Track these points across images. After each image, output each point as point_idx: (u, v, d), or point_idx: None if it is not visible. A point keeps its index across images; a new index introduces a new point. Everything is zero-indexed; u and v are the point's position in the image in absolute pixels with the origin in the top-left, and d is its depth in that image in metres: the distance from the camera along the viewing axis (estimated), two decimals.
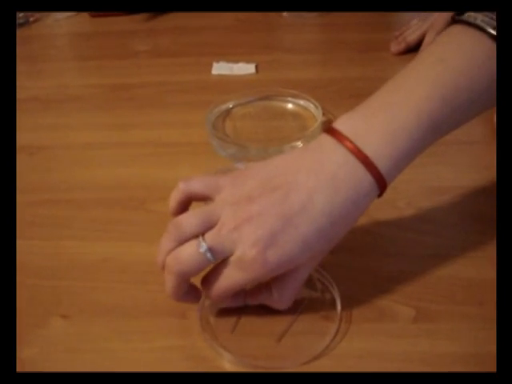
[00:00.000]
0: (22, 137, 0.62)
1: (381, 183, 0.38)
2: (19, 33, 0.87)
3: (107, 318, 0.42)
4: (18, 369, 0.38)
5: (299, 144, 0.57)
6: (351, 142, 0.37)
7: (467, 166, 0.56)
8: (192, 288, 0.40)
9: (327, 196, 0.37)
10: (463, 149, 0.57)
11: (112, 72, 0.77)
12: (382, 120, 0.38)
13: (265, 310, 0.42)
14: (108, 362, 0.40)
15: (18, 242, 0.47)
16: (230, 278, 0.37)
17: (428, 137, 0.39)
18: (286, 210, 0.36)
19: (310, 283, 0.43)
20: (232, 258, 0.36)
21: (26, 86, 0.74)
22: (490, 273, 0.43)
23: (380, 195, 0.39)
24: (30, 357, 0.40)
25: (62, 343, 0.41)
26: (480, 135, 0.59)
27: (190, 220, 0.38)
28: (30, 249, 0.49)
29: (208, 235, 0.36)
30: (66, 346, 0.41)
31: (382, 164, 0.37)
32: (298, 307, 0.42)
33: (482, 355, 0.38)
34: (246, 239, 0.36)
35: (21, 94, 0.70)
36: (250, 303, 0.41)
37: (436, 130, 0.39)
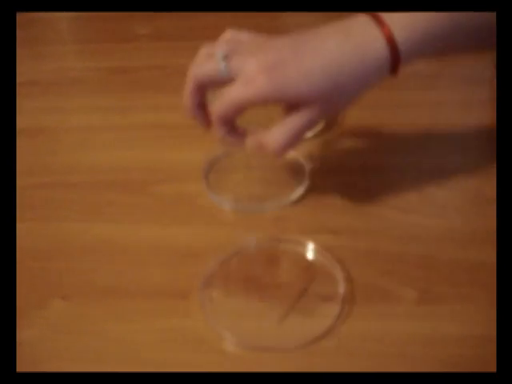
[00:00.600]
0: (23, 120, 0.61)
1: (393, 52, 0.40)
2: (19, 16, 0.86)
3: (107, 299, 0.42)
4: (19, 350, 0.38)
5: None
6: (374, 13, 0.41)
7: (472, 148, 0.55)
8: (205, 109, 0.44)
9: (338, 40, 0.41)
10: (469, 131, 0.57)
11: (112, 55, 0.76)
12: (404, 13, 0.42)
13: (267, 291, 0.41)
14: (108, 343, 0.39)
15: (18, 225, 0.47)
16: (234, 92, 0.40)
17: (446, 27, 0.41)
18: (299, 45, 0.41)
19: (313, 264, 0.43)
20: (241, 75, 0.40)
21: (27, 69, 0.73)
22: (493, 255, 0.42)
23: (393, 72, 0.42)
24: (30, 338, 0.40)
25: (62, 324, 0.41)
26: (486, 118, 0.58)
27: (219, 43, 0.43)
28: (31, 231, 0.48)
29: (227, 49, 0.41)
30: (67, 327, 0.41)
31: (397, 33, 0.40)
32: (300, 288, 0.41)
33: (484, 337, 0.38)
34: (258, 59, 0.40)
35: (21, 77, 0.69)
36: (249, 145, 0.42)
37: (455, 26, 0.41)
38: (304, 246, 0.44)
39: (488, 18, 0.41)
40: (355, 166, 0.53)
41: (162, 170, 0.54)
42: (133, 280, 0.43)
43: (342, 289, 0.41)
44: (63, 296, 0.42)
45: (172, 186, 0.52)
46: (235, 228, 0.47)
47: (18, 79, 0.65)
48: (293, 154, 0.54)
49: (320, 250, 0.43)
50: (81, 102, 0.66)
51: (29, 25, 0.86)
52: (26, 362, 0.38)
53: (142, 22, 0.84)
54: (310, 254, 0.44)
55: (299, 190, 0.49)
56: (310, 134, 0.56)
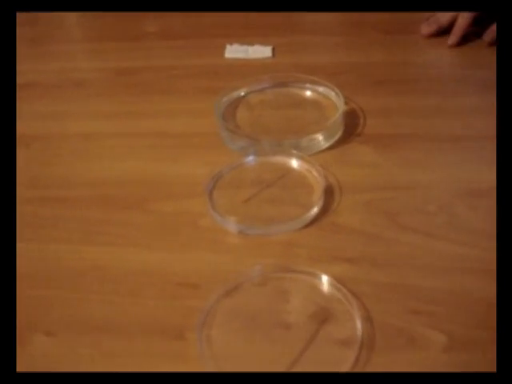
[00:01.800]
0: (18, 125, 0.57)
1: None
2: (22, 13, 0.82)
3: (95, 336, 0.38)
4: None
5: (319, 137, 0.52)
6: None
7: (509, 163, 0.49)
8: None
9: None
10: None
11: (118, 55, 0.72)
12: None
13: (274, 332, 0.37)
14: None
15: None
16: None
17: None
18: None
19: (326, 300, 0.38)
20: None
21: (26, 69, 0.69)
22: None
23: None
24: None
25: (43, 364, 0.36)
26: None
27: None
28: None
29: None
30: (50, 366, 0.36)
31: None
32: (311, 330, 0.36)
33: None
34: None
35: (20, 78, 0.65)
36: None
37: None
38: (317, 277, 0.39)
39: None
40: (376, 182, 0.48)
41: (163, 184, 0.50)
42: (124, 314, 0.39)
43: (359, 331, 0.36)
44: (47, 331, 0.38)
45: (172, 203, 0.48)
46: (240, 254, 0.43)
47: (17, 81, 0.62)
48: (307, 169, 0.49)
49: (334, 283, 0.39)
50: (81, 107, 0.62)
51: (31, 22, 0.82)
52: None
53: (150, 20, 0.80)
54: (323, 288, 0.39)
55: (313, 211, 0.45)
56: (325, 145, 0.52)
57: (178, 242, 0.44)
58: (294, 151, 0.50)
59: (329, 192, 0.47)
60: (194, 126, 0.56)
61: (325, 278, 0.39)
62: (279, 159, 0.50)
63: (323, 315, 0.37)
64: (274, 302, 0.38)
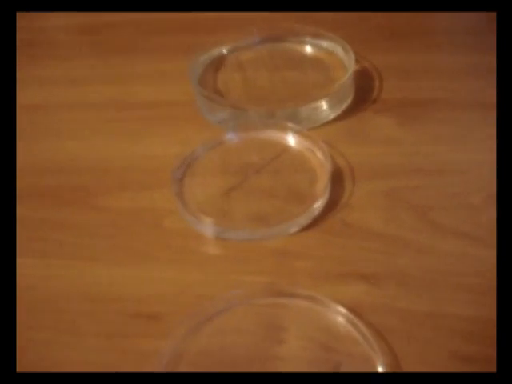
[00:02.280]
0: None
1: None
2: None
3: None
4: None
5: (322, 105, 0.44)
6: None
7: None
8: None
9: None
10: None
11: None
12: None
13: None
14: None
15: None
16: None
17: None
18: None
19: (335, 341, 0.28)
20: None
21: None
22: None
23: None
24: None
25: None
26: None
27: None
28: None
29: None
30: None
31: None
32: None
33: None
34: None
35: None
36: None
37: None
38: (322, 305, 0.30)
39: None
40: (398, 165, 0.40)
41: (118, 170, 0.41)
42: (54, 359, 0.30)
43: None
44: None
45: (129, 196, 0.39)
46: (216, 270, 0.34)
47: None
48: (307, 147, 0.41)
49: (348, 314, 0.29)
50: (24, 72, 0.52)
51: None
52: None
53: None
54: (331, 321, 0.30)
55: (316, 206, 0.36)
56: (331, 115, 0.45)
57: (133, 251, 0.35)
58: (291, 124, 0.43)
59: (337, 179, 0.38)
60: (161, 93, 0.48)
61: (334, 308, 0.30)
62: (271, 135, 0.43)
63: (332, 362, 0.28)
64: (262, 341, 0.29)
